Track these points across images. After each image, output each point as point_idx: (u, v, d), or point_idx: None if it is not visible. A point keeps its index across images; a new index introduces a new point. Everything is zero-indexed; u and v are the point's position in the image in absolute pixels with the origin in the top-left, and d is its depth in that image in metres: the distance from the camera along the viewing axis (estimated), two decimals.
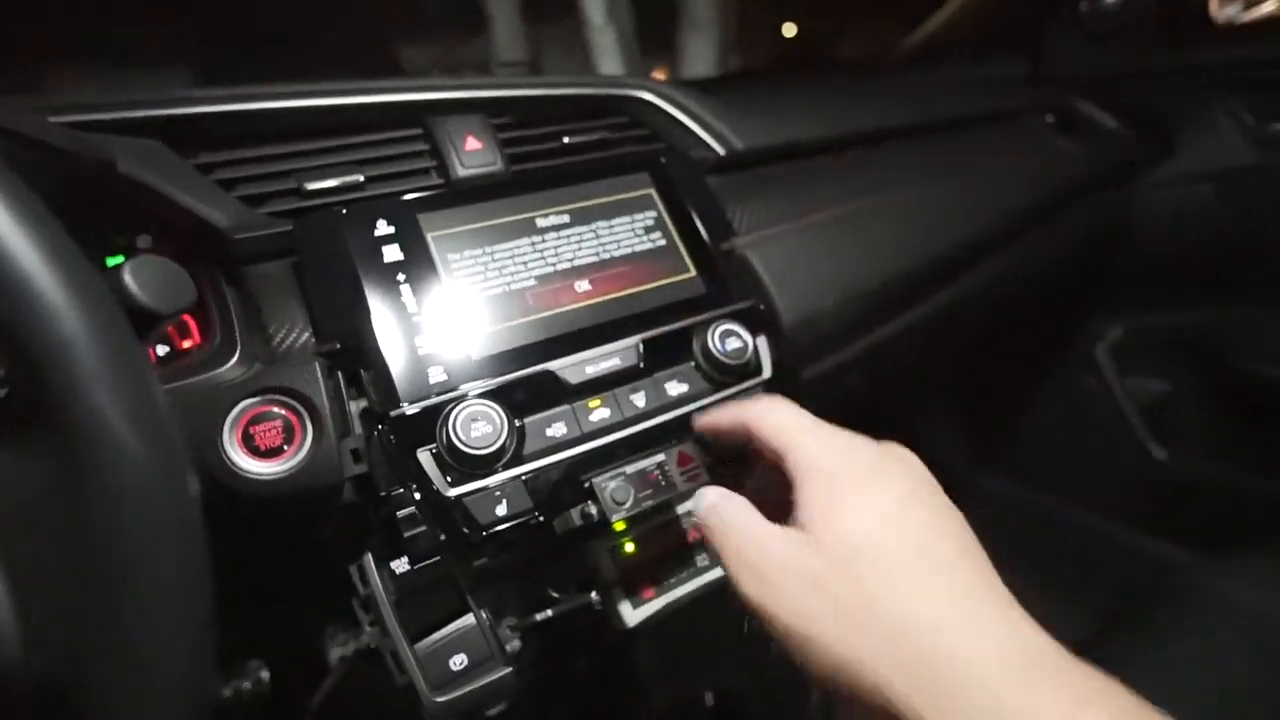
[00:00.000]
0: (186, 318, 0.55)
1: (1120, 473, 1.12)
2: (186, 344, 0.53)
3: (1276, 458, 1.00)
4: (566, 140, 0.63)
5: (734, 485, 0.42)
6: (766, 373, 0.55)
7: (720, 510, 0.38)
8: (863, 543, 0.33)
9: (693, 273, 0.58)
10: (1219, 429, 1.05)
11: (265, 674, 1.08)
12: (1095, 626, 0.80)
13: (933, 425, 1.33)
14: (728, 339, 0.53)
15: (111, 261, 0.52)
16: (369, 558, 0.48)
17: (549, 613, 0.52)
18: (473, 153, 0.59)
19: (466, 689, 0.47)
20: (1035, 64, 1.14)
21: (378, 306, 0.48)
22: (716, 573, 0.55)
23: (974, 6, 1.18)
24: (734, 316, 0.55)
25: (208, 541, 0.25)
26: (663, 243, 0.58)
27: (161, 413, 0.24)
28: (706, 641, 0.90)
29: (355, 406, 0.48)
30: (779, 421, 0.39)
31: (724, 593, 0.55)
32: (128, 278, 0.32)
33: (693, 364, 0.53)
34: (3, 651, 0.21)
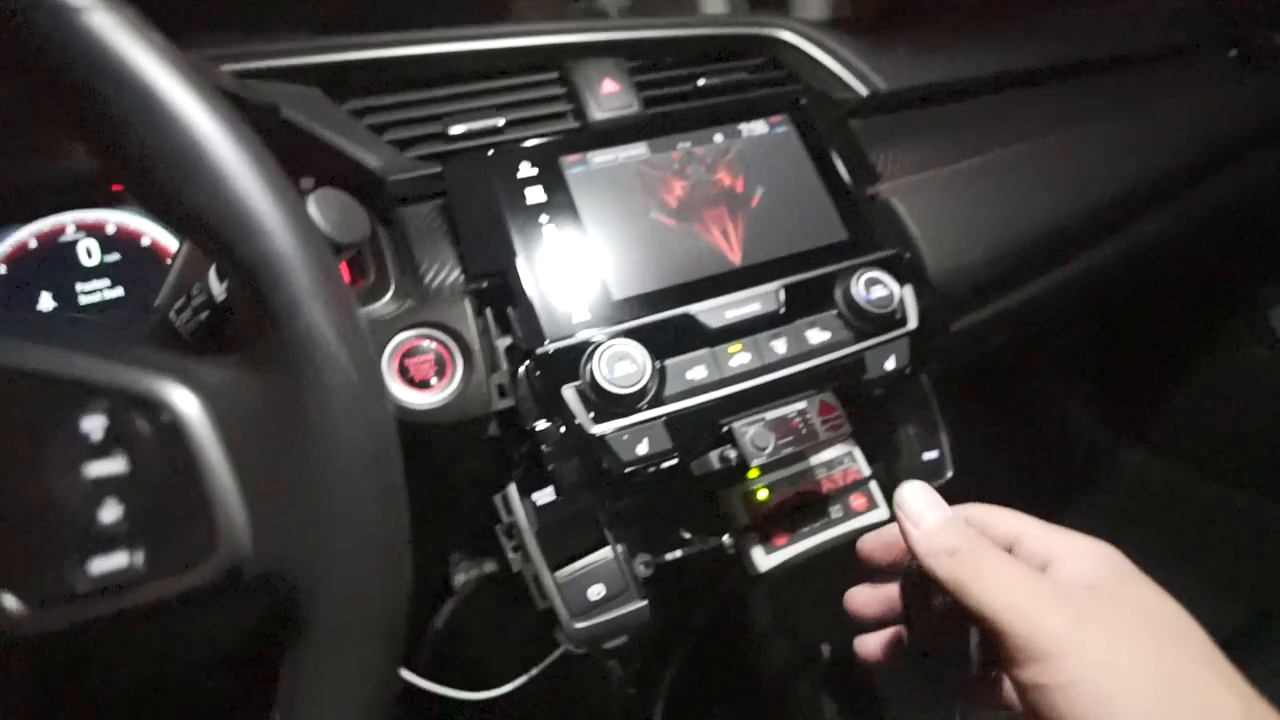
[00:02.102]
0: None
1: None
2: None
3: None
4: (702, 83, 0.62)
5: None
6: (912, 323, 0.53)
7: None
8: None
9: (836, 219, 0.55)
10: None
11: None
12: (1257, 620, 0.73)
13: (1074, 391, 1.24)
14: (873, 287, 0.51)
15: None
16: (513, 488, 0.50)
17: (680, 553, 0.53)
18: (609, 96, 0.58)
19: (604, 618, 0.48)
20: None
21: (523, 246, 0.49)
22: (849, 526, 0.54)
23: None
24: (879, 264, 0.53)
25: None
26: (804, 187, 0.56)
27: (363, 330, 0.25)
28: (827, 597, 0.89)
29: (501, 343, 0.50)
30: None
31: (853, 547, 0.54)
32: (313, 209, 0.33)
33: (835, 312, 0.52)
34: (239, 547, 0.23)
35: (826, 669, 0.78)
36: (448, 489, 0.61)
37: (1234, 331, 1.05)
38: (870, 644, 0.42)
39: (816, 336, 0.50)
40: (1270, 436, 1.04)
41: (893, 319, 0.52)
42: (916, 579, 0.35)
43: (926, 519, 0.35)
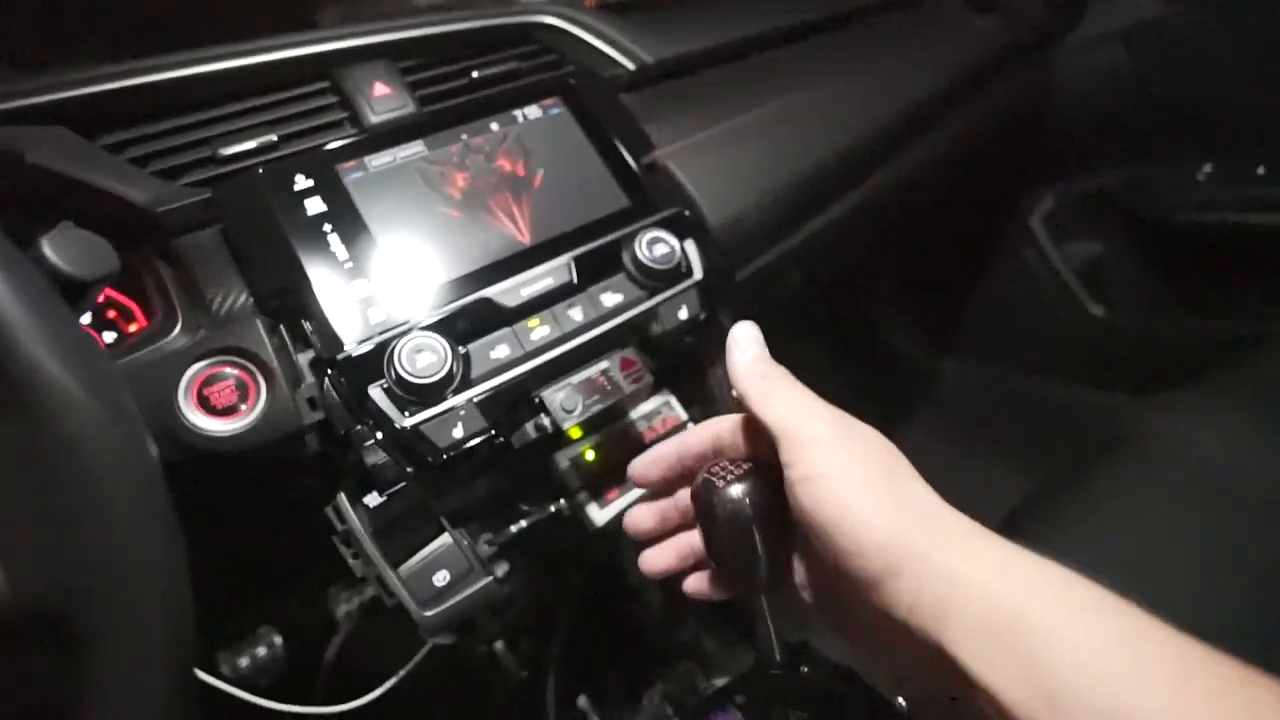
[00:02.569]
0: (128, 301, 0.56)
1: (1064, 335, 1.17)
2: (133, 327, 0.54)
3: (1201, 300, 1.06)
4: (475, 75, 0.64)
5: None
6: (698, 274, 0.58)
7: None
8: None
9: (617, 189, 0.59)
10: (1149, 280, 1.10)
11: (278, 639, 1.12)
12: (1045, 484, 0.85)
13: (890, 316, 1.37)
14: (655, 245, 0.55)
15: None
16: (342, 497, 0.51)
17: (523, 524, 0.55)
18: (382, 99, 0.59)
19: (452, 601, 0.50)
20: None
21: (309, 258, 0.49)
22: None
23: None
24: (660, 225, 0.57)
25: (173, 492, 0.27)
26: (584, 163, 0.59)
27: (98, 362, 0.26)
28: None
29: (304, 359, 0.50)
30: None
31: None
32: (47, 249, 0.33)
33: (624, 275, 0.55)
34: None
35: (700, 610, 0.83)
36: (300, 523, 0.61)
37: (1007, 238, 1.20)
38: (652, 556, 0.46)
39: (610, 299, 0.54)
40: (1040, 327, 1.20)
41: (679, 272, 0.56)
42: (704, 486, 0.40)
43: (751, 349, 0.43)
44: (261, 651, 1.08)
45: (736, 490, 0.39)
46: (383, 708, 0.66)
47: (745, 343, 0.43)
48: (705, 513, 0.41)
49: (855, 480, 0.35)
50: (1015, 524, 0.78)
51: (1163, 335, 1.09)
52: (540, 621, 0.83)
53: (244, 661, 1.08)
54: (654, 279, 0.55)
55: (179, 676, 0.27)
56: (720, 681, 0.76)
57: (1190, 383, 0.87)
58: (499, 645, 0.82)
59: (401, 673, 0.57)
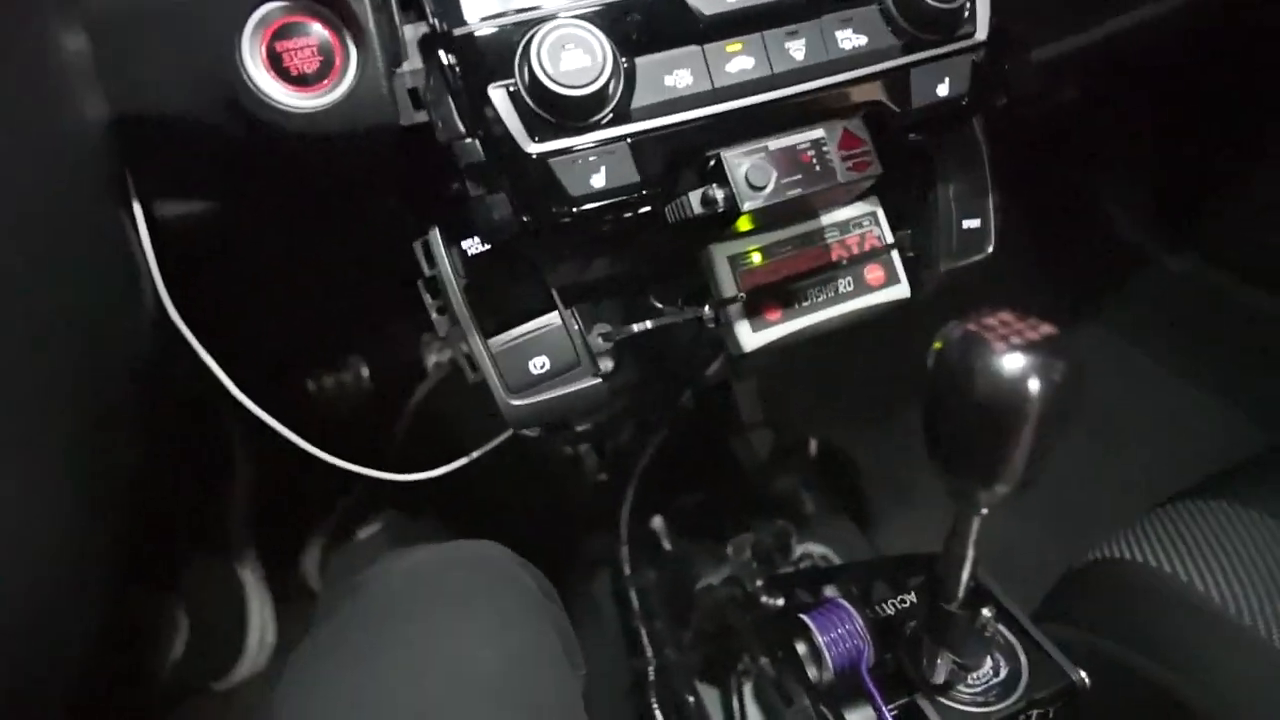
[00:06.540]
0: None
1: None
2: None
3: None
4: None
5: None
6: (981, 34, 0.39)
7: None
8: None
9: None
10: None
11: (365, 370, 1.09)
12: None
13: (1132, 183, 1.08)
14: None
15: None
16: (435, 232, 0.39)
17: (649, 324, 0.43)
18: None
19: (548, 395, 0.39)
20: None
21: None
22: (859, 302, 0.43)
23: None
24: None
25: None
26: None
27: None
28: (823, 385, 0.82)
29: (411, 32, 0.36)
30: None
31: (861, 327, 0.45)
32: None
33: (877, 6, 0.37)
34: None
35: (810, 464, 0.73)
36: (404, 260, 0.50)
37: None
38: None
39: (850, 40, 0.37)
40: None
41: (958, 19, 0.37)
42: (963, 343, 0.26)
43: None
44: (347, 377, 1.06)
45: (1019, 362, 0.24)
46: (447, 482, 0.60)
47: None
48: (949, 381, 0.26)
49: None
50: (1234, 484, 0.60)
51: None
52: (634, 429, 0.75)
53: (329, 381, 1.06)
54: (920, 24, 0.37)
55: None
56: (819, 550, 0.67)
57: None
58: (584, 447, 0.75)
59: (475, 454, 0.49)
